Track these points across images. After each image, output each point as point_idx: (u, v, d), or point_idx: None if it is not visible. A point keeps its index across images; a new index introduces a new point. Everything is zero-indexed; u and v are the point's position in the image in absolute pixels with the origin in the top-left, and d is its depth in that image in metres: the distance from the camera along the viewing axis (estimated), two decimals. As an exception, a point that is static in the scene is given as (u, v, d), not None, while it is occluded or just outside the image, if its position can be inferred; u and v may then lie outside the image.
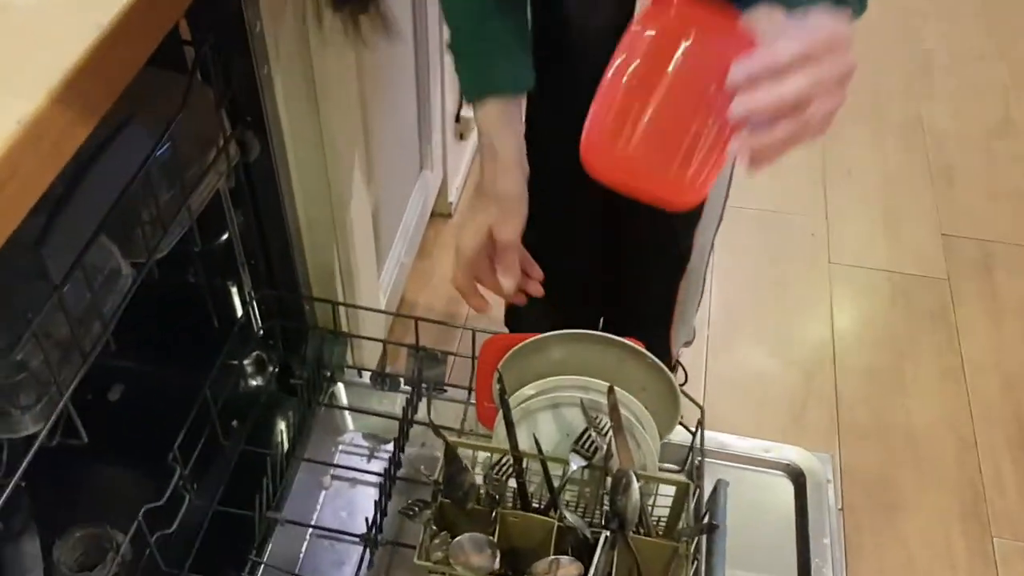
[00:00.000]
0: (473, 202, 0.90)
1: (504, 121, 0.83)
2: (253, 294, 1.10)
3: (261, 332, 1.12)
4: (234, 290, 1.14)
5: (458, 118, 1.63)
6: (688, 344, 1.36)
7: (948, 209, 1.75)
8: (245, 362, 1.14)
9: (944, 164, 1.83)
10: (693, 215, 1.21)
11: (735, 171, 1.21)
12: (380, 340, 1.10)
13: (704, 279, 1.27)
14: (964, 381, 1.50)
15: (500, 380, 0.89)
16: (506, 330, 1.42)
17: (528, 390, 0.94)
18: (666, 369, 0.92)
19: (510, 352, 0.97)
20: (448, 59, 1.47)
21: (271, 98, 0.90)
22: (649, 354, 0.94)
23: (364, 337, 1.12)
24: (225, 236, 1.06)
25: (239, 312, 1.15)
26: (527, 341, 0.97)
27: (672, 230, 1.23)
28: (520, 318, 1.39)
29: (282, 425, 1.11)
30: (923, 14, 2.23)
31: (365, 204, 1.16)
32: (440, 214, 1.68)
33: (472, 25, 0.82)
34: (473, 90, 0.83)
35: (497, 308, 1.44)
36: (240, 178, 0.96)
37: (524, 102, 0.89)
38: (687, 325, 1.32)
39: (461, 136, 1.68)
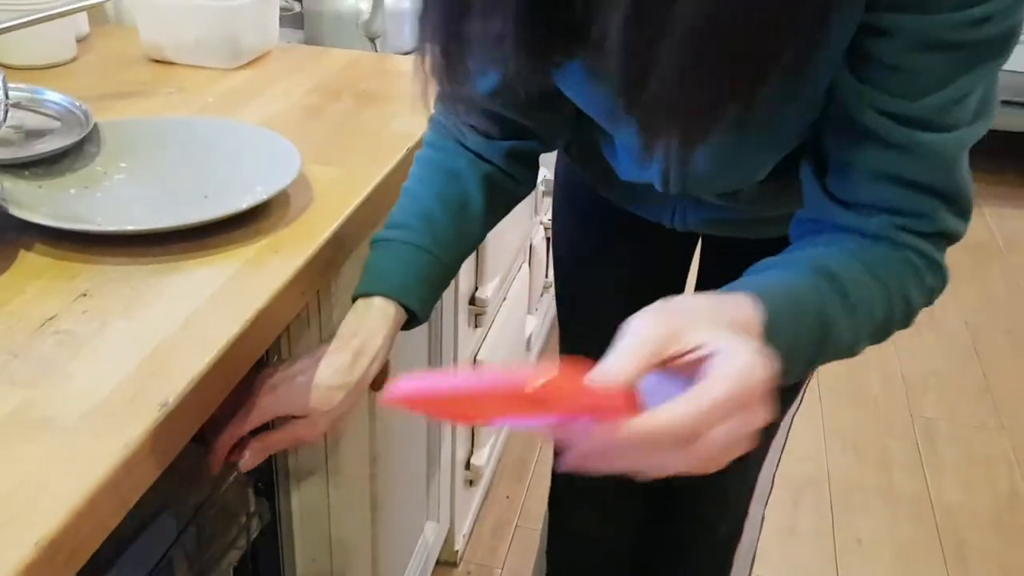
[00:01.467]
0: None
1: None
2: None
3: None
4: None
5: (468, 465, 1.66)
6: None
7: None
8: None
9: (955, 539, 1.81)
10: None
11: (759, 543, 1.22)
12: None
13: None
14: None
15: None
16: None
17: None
18: None
19: None
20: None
21: (284, 468, 0.93)
22: None
23: None
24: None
25: None
26: None
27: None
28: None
29: None
30: (923, 387, 2.30)
31: (367, 566, 1.15)
32: (446, 562, 1.65)
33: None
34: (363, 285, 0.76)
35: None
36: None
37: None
38: None
39: (471, 483, 1.69)
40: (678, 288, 1.09)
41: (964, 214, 0.64)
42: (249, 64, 1.24)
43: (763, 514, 1.20)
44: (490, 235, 1.56)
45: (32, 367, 0.62)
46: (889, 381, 2.30)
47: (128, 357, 0.64)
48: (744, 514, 1.15)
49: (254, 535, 0.89)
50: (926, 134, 0.60)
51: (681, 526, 1.19)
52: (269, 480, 0.94)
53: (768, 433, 1.08)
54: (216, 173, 0.88)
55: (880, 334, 0.64)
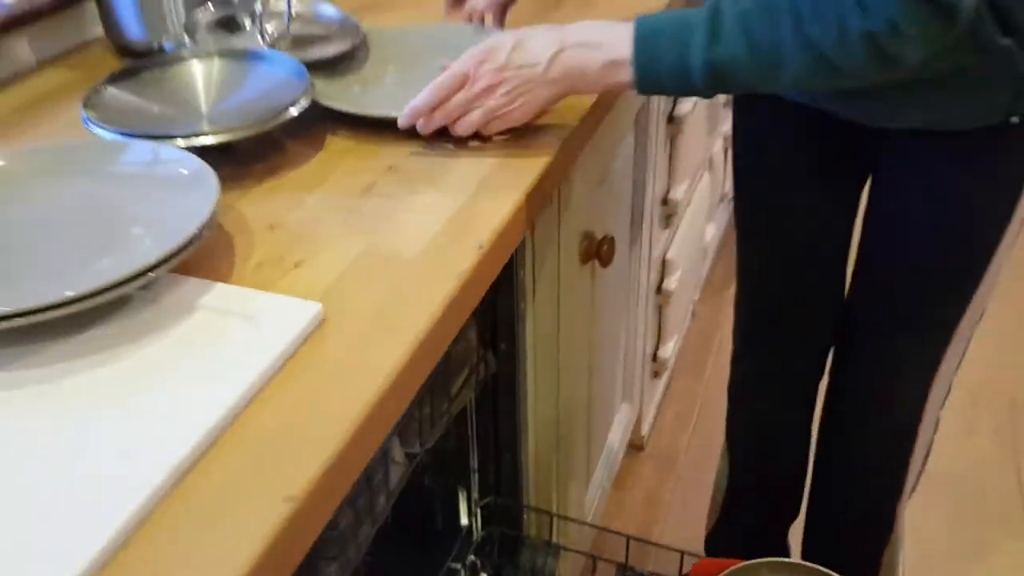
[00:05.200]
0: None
1: None
2: (479, 500, 1.22)
3: (480, 538, 1.23)
4: (461, 496, 1.27)
5: (655, 357, 1.78)
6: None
7: None
8: (462, 567, 1.25)
9: None
10: (900, 487, 1.25)
11: (934, 440, 1.27)
12: (590, 555, 1.19)
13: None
14: None
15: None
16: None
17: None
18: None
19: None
20: (652, 302, 1.65)
21: (522, 328, 1.07)
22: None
23: (576, 551, 1.21)
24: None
25: (463, 518, 1.27)
26: (738, 566, 1.04)
27: (879, 500, 1.28)
28: (719, 546, 1.46)
29: (490, 634, 1.19)
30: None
31: (583, 424, 1.29)
32: (633, 445, 1.79)
33: None
34: None
35: (695, 530, 1.51)
36: (487, 391, 1.11)
37: None
38: None
39: (656, 375, 1.81)
40: (853, 186, 1.15)
41: None
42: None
43: (938, 417, 1.23)
44: (681, 141, 1.66)
45: (366, 220, 0.77)
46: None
47: (441, 211, 0.77)
48: (919, 416, 1.18)
49: (483, 377, 1.03)
50: None
51: (851, 426, 1.25)
52: (511, 340, 1.08)
53: (943, 340, 1.10)
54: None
55: (786, 60, 0.75)
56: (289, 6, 1.04)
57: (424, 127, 0.87)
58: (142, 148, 0.77)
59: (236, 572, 0.47)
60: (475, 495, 1.23)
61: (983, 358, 2.06)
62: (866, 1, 0.71)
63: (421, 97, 0.85)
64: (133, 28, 1.09)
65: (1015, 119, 0.89)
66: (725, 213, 2.34)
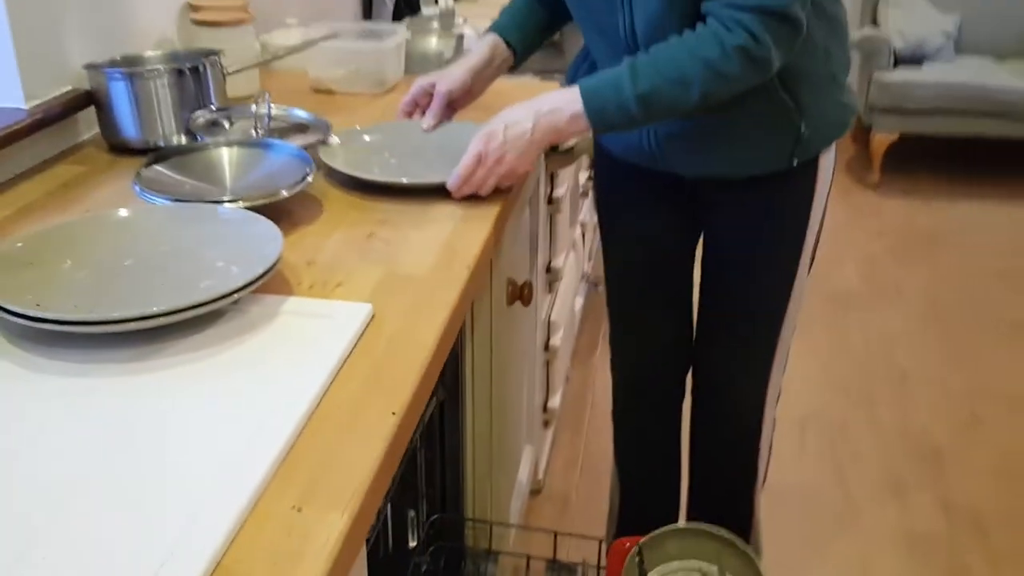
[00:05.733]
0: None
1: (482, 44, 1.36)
2: (425, 520, 1.44)
3: (428, 555, 1.44)
4: (410, 519, 1.47)
5: (545, 408, 2.05)
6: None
7: (946, 483, 2.11)
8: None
9: (932, 445, 2.23)
10: (754, 477, 1.56)
11: (773, 442, 1.59)
12: (525, 555, 1.42)
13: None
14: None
15: (640, 553, 1.23)
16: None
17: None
18: (755, 558, 1.26)
19: (640, 542, 1.31)
20: (541, 358, 1.94)
21: (464, 359, 1.33)
22: (742, 543, 1.28)
23: (512, 553, 1.45)
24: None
25: (411, 539, 1.47)
26: (650, 536, 1.31)
27: (739, 490, 1.57)
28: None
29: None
30: (896, 340, 2.74)
31: (511, 453, 1.54)
32: (532, 489, 2.04)
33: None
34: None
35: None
36: (432, 422, 1.35)
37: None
38: None
39: (546, 424, 2.08)
40: (690, 235, 1.46)
41: None
42: (389, 90, 1.66)
43: (775, 416, 1.54)
44: (559, 219, 1.98)
45: (379, 254, 1.02)
46: (870, 339, 2.73)
47: (432, 245, 1.04)
48: (761, 414, 1.49)
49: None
50: None
51: (706, 432, 1.56)
52: (455, 374, 1.33)
53: (768, 354, 1.42)
54: (449, 153, 1.27)
55: (691, 79, 1.06)
56: (269, 108, 1.30)
57: (458, 195, 1.17)
58: (208, 208, 1.00)
59: (373, 459, 0.70)
60: (423, 516, 1.44)
61: (807, 392, 2.46)
62: (728, 24, 1.04)
63: (455, 174, 1.16)
64: (129, 129, 1.31)
65: (796, 162, 1.24)
66: (584, 288, 2.68)
